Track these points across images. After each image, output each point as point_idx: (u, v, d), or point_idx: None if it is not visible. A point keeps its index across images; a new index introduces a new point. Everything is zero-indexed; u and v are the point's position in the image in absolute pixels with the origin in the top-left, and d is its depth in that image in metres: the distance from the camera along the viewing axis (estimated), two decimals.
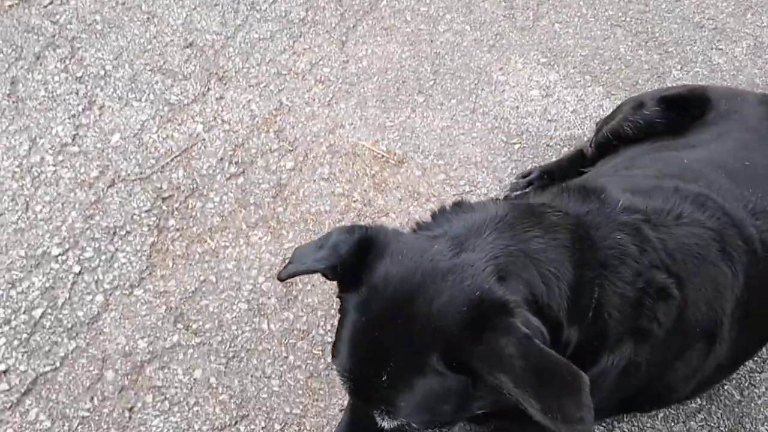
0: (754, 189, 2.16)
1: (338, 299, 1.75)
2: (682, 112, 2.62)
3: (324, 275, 1.75)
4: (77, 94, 3.26)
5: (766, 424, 2.52)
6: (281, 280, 1.79)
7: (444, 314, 1.52)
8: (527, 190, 3.05)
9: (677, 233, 1.93)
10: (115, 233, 2.81)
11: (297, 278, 2.73)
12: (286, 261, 2.72)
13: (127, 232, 2.82)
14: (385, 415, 1.58)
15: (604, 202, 1.91)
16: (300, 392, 2.47)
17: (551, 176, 3.04)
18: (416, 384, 1.53)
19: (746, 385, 2.60)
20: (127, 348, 2.52)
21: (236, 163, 3.08)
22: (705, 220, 2.00)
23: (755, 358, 2.66)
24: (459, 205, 1.87)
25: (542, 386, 1.36)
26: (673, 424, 2.49)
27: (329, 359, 2.53)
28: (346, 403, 1.88)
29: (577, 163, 2.97)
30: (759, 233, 2.09)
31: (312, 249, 1.72)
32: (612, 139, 2.74)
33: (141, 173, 3.00)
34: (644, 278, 1.81)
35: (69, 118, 3.16)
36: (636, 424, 2.48)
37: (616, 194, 1.96)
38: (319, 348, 2.57)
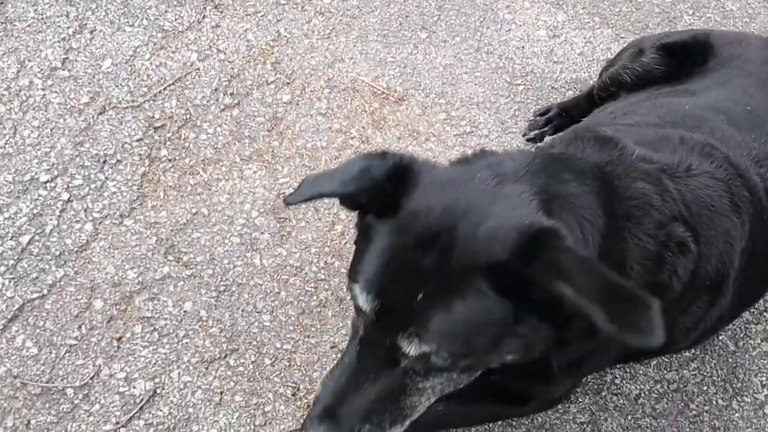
0: (756, 135, 2.10)
1: (358, 228, 1.64)
2: (682, 59, 2.55)
3: (343, 202, 1.64)
4: (68, 16, 3.14)
5: (759, 375, 2.50)
6: (289, 204, 1.63)
7: (493, 237, 1.40)
8: (546, 128, 2.98)
9: (692, 185, 1.86)
10: (105, 162, 2.73)
11: (292, 214, 2.68)
12: (281, 196, 2.68)
13: (118, 160, 2.74)
14: (414, 337, 1.43)
15: (622, 151, 1.82)
16: (291, 328, 2.44)
17: (570, 114, 2.97)
18: (455, 304, 1.40)
19: (741, 336, 2.58)
20: (116, 278, 2.47)
21: (231, 94, 2.99)
22: (714, 171, 1.94)
23: (752, 310, 2.64)
24: (483, 152, 1.76)
25: (609, 300, 1.22)
26: (665, 372, 2.48)
27: (321, 296, 2.50)
28: (349, 338, 1.73)
29: (593, 102, 2.89)
30: (763, 182, 2.05)
31: (330, 175, 1.59)
32: (610, 85, 2.69)
33: (133, 101, 2.91)
34: (666, 231, 1.74)
35: (59, 42, 3.05)
36: (628, 371, 2.46)
37: (630, 144, 1.88)
38: (312, 285, 2.53)
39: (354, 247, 1.66)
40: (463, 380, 1.62)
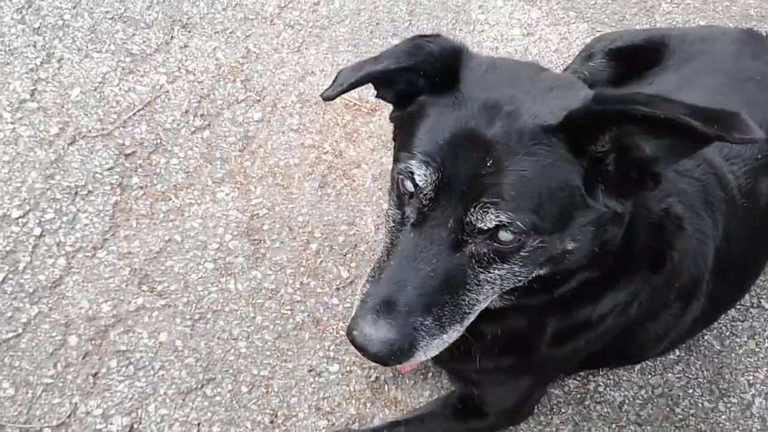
0: None
1: (398, 119, 1.58)
2: (632, 61, 2.55)
3: (384, 89, 1.58)
4: (35, 46, 3.11)
5: (746, 374, 2.46)
6: (329, 99, 1.54)
7: (558, 102, 1.38)
8: None
9: (676, 178, 1.85)
10: (76, 193, 2.71)
11: (266, 235, 2.65)
12: (254, 216, 2.65)
13: (89, 191, 2.72)
14: (489, 207, 1.32)
15: None
16: (268, 353, 2.42)
17: None
18: (528, 164, 1.32)
19: (727, 334, 2.53)
20: (90, 312, 2.46)
21: (201, 115, 2.96)
22: (693, 169, 1.92)
23: (738, 307, 2.59)
24: None
25: (696, 114, 1.19)
26: (650, 376, 2.44)
27: (298, 318, 2.48)
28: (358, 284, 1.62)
29: None
30: (736, 179, 2.01)
31: (373, 60, 1.52)
32: None
33: (102, 129, 2.88)
34: (668, 202, 1.75)
35: (27, 73, 3.03)
36: (612, 377, 2.43)
37: None
38: (288, 307, 2.51)
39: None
40: (521, 275, 1.49)
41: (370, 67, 1.48)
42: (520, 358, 1.87)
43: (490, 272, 1.44)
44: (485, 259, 1.42)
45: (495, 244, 1.39)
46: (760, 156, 2.07)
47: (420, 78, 1.46)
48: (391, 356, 1.43)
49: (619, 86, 2.51)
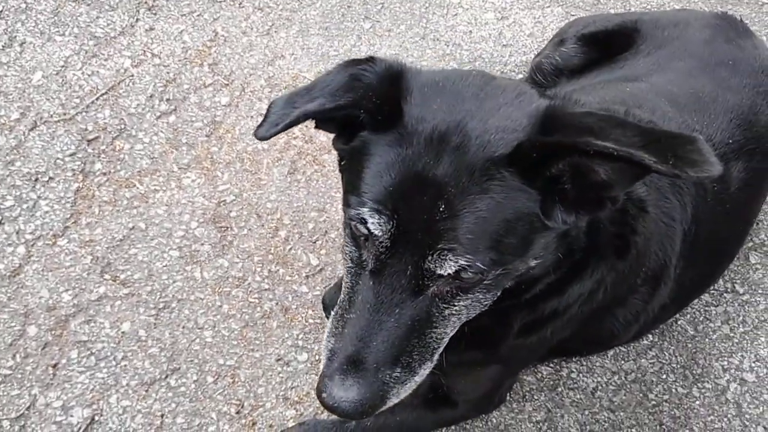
0: (698, 117, 2.03)
1: (344, 152, 1.46)
2: (605, 47, 2.53)
3: (323, 123, 1.45)
4: None
5: (720, 359, 2.43)
6: (264, 138, 1.41)
7: (506, 126, 1.30)
8: None
9: None
10: (37, 180, 2.63)
11: (233, 222, 2.59)
12: (221, 202, 2.58)
13: (50, 178, 2.64)
14: (447, 254, 1.27)
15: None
16: (234, 342, 2.36)
17: None
18: (482, 203, 1.26)
19: (701, 319, 2.51)
20: (50, 302, 2.38)
21: (167, 100, 2.88)
22: None
23: (711, 292, 2.56)
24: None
25: (650, 144, 1.12)
26: (623, 362, 2.41)
27: (265, 307, 2.42)
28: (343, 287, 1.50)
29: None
30: None
31: (307, 91, 1.38)
32: (536, 74, 2.66)
33: (65, 114, 2.80)
34: None
35: None
36: (585, 363, 2.39)
37: None
38: (255, 296, 2.45)
39: (343, 175, 1.48)
40: (487, 300, 1.45)
41: (305, 103, 1.35)
42: (487, 351, 1.83)
43: (454, 305, 1.41)
44: (448, 295, 1.38)
45: (456, 281, 1.35)
46: (730, 141, 2.04)
47: (360, 113, 1.36)
48: (363, 414, 1.40)
49: (591, 71, 2.47)
